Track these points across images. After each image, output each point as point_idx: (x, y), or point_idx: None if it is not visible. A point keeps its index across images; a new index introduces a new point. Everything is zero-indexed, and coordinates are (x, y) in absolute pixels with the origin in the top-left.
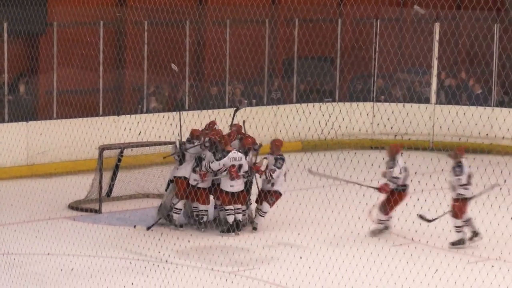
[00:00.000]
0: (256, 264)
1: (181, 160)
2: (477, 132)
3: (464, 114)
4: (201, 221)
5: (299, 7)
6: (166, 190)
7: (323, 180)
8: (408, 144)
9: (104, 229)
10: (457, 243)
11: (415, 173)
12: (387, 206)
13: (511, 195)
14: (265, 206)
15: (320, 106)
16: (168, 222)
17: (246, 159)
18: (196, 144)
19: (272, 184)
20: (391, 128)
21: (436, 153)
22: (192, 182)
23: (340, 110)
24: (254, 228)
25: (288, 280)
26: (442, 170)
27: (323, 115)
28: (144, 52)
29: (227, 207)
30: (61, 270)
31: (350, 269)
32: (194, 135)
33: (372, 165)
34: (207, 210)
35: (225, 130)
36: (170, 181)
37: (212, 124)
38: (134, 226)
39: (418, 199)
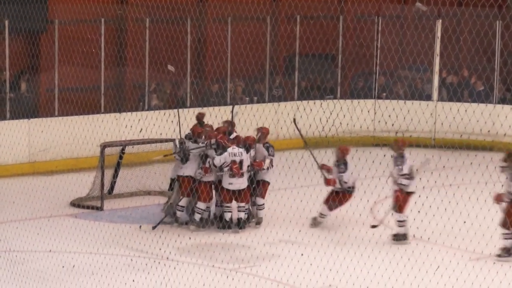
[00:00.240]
0: (257, 261)
1: (183, 159)
2: (479, 129)
3: (466, 111)
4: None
5: (300, 4)
6: (169, 189)
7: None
8: (410, 141)
9: (105, 227)
10: (400, 238)
11: (416, 170)
12: (333, 204)
13: None
14: (259, 199)
15: (321, 104)
16: (174, 221)
17: (247, 154)
18: (201, 145)
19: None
20: (393, 125)
21: (438, 150)
22: (197, 177)
23: (342, 107)
24: (258, 223)
25: (289, 277)
26: (444, 167)
27: (324, 112)
28: (145, 49)
29: (225, 204)
30: (63, 267)
31: (352, 266)
32: (196, 133)
33: (373, 162)
34: (209, 207)
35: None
36: (173, 179)
37: (201, 116)
38: (140, 227)
39: (419, 196)
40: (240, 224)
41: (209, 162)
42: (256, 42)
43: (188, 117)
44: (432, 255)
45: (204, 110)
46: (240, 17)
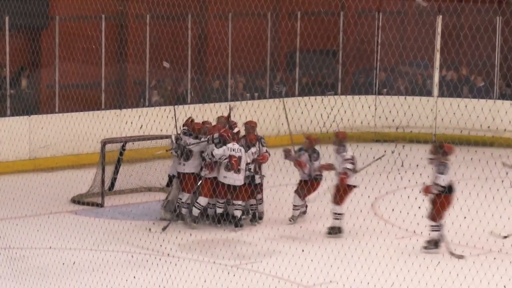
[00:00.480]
0: (259, 257)
1: (180, 155)
2: (479, 125)
3: (466, 106)
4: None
5: (300, 0)
6: (167, 186)
7: (325, 173)
8: (410, 137)
9: (106, 223)
10: (334, 232)
11: (417, 166)
12: (302, 191)
13: None
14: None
15: (322, 99)
16: (176, 218)
17: (246, 152)
18: (202, 140)
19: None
20: (393, 121)
21: None
22: (202, 175)
23: (343, 103)
24: (260, 218)
25: (291, 273)
26: None
27: (325, 108)
28: (146, 45)
29: (219, 200)
30: (63, 264)
31: (352, 262)
32: (196, 129)
33: (374, 157)
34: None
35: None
36: (172, 176)
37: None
38: (149, 230)
39: (420, 192)
40: (236, 223)
41: (207, 154)
42: (257, 38)
43: (188, 113)
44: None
45: (205, 106)
46: (241, 13)
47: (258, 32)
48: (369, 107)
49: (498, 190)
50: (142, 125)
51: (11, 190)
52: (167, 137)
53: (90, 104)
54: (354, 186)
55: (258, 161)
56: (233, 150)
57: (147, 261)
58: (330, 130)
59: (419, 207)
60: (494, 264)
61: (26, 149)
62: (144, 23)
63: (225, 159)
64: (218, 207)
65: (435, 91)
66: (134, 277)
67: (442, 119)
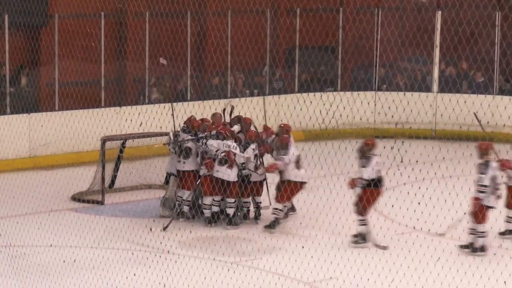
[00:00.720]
0: (259, 254)
1: (177, 152)
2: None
3: (465, 102)
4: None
5: None
6: (165, 183)
7: (325, 169)
8: (410, 132)
9: (106, 221)
10: (270, 226)
11: (416, 161)
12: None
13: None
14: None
15: (321, 96)
16: (176, 216)
17: (241, 151)
18: (200, 136)
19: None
20: (393, 117)
21: (438, 142)
22: (201, 173)
23: (342, 100)
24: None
25: (291, 270)
26: (444, 158)
27: (324, 104)
28: (145, 43)
29: (215, 198)
30: (64, 261)
31: (352, 258)
32: (194, 126)
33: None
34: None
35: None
36: (169, 174)
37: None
38: (150, 229)
39: (419, 188)
40: (229, 220)
41: (202, 142)
42: (256, 35)
43: (188, 110)
44: (432, 246)
45: (205, 103)
46: (239, 10)
47: (257, 29)
48: (368, 103)
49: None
50: (142, 123)
51: (11, 188)
52: (166, 134)
53: (89, 102)
54: (304, 183)
55: (261, 153)
56: (229, 146)
57: (147, 258)
58: (329, 126)
59: (419, 203)
60: (494, 260)
61: (26, 147)
62: (144, 21)
63: (222, 153)
64: (214, 205)
65: (435, 86)
66: (135, 274)
67: (442, 115)
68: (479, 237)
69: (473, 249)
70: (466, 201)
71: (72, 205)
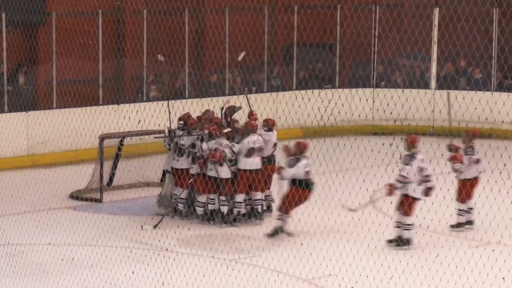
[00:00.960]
0: (258, 251)
1: (179, 152)
2: (477, 117)
3: (464, 98)
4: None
5: None
6: (161, 181)
7: (324, 166)
8: (408, 129)
9: (105, 219)
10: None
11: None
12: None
13: (511, 179)
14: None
15: (320, 93)
16: (172, 213)
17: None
18: (194, 134)
19: None
20: (391, 113)
21: (437, 138)
22: (192, 172)
23: (340, 96)
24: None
25: (290, 267)
26: (442, 155)
27: (322, 101)
28: (143, 40)
29: (210, 196)
30: (62, 259)
31: (351, 255)
32: (190, 124)
33: (372, 150)
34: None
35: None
36: (166, 171)
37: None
38: (141, 227)
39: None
40: (222, 219)
41: (198, 149)
42: (254, 32)
43: (186, 108)
44: (431, 242)
45: (203, 100)
46: (237, 7)
47: (255, 26)
48: (366, 100)
49: (496, 181)
50: (140, 120)
51: (9, 186)
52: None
53: (88, 100)
54: (259, 169)
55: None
56: (220, 144)
57: (145, 256)
58: (327, 123)
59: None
60: (493, 256)
61: (24, 145)
62: (141, 18)
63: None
64: (209, 203)
65: (433, 83)
66: (133, 272)
67: (440, 111)
68: (404, 229)
69: (401, 242)
70: None
71: (70, 203)
